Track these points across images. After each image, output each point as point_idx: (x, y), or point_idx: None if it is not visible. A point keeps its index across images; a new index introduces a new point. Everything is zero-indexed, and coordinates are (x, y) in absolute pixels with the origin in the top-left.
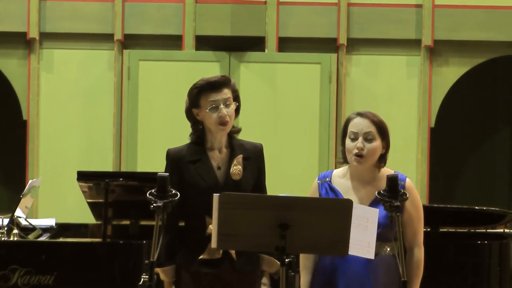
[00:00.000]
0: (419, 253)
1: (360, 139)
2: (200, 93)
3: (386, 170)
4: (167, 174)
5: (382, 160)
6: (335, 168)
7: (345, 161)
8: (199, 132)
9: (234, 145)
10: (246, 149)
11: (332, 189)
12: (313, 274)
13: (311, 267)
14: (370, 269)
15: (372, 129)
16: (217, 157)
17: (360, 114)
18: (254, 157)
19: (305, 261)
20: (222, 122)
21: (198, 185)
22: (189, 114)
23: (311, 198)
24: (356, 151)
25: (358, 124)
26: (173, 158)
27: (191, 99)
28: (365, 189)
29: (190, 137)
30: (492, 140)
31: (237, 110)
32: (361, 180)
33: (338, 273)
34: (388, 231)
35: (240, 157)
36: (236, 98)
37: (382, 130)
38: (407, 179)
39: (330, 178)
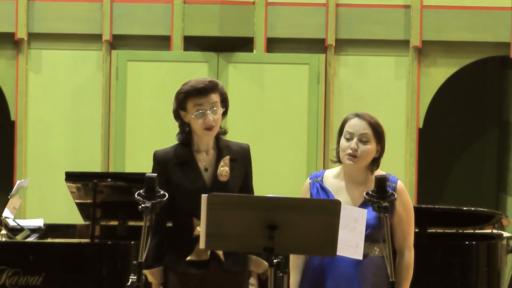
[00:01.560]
0: (409, 255)
1: (355, 140)
2: (186, 97)
3: (380, 173)
4: (155, 174)
5: (375, 163)
6: (323, 168)
7: (338, 160)
8: (186, 133)
9: (221, 147)
10: (233, 150)
11: (323, 188)
12: (302, 273)
13: (301, 266)
14: (359, 270)
15: (368, 131)
16: (204, 159)
17: (358, 115)
18: (241, 158)
19: (296, 260)
20: (208, 128)
21: (185, 187)
22: (177, 115)
23: (299, 199)
24: (349, 151)
25: (355, 125)
26: (160, 161)
27: (178, 102)
28: (357, 190)
29: (177, 136)
30: (480, 140)
31: (225, 112)
32: (354, 180)
33: (327, 274)
34: (377, 232)
35: (227, 159)
36: (224, 101)
37: (378, 133)
38: (399, 181)
39: (322, 178)
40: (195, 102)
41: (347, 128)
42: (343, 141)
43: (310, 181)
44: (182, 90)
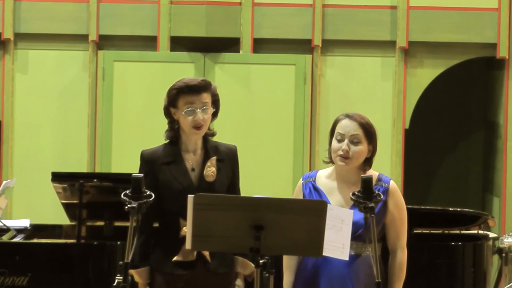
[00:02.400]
0: (402, 255)
1: (346, 141)
2: (178, 94)
3: (372, 173)
4: (142, 175)
5: (367, 163)
6: (309, 168)
7: (330, 161)
8: (175, 131)
9: (208, 147)
10: (220, 151)
11: (316, 189)
12: (296, 273)
13: (294, 267)
14: (352, 269)
15: (359, 132)
16: (191, 159)
17: (348, 116)
18: (228, 159)
19: (289, 261)
20: (196, 126)
21: (172, 186)
22: (167, 112)
23: (285, 199)
24: (340, 152)
25: (346, 126)
26: (147, 160)
27: (169, 99)
28: (349, 190)
29: (165, 134)
30: (466, 141)
31: (215, 114)
32: (346, 181)
33: (321, 274)
34: (370, 232)
35: (214, 159)
36: (215, 102)
37: (369, 133)
38: (391, 181)
39: (315, 178)
40: (187, 99)
41: (338, 129)
42: (334, 142)
43: (302, 181)
44: (174, 86)
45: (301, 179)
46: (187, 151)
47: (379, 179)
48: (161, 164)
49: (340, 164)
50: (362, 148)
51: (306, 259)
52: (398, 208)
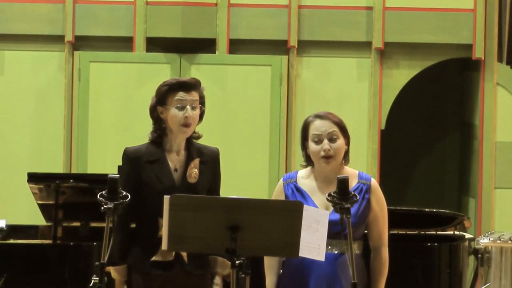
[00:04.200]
0: (385, 252)
1: (325, 140)
2: (169, 90)
3: (350, 170)
4: (118, 176)
5: (346, 157)
6: (285, 169)
7: (308, 164)
8: (161, 131)
9: (191, 149)
10: (203, 153)
11: (299, 189)
12: (282, 274)
13: (276, 267)
14: (339, 268)
15: (334, 128)
16: (174, 159)
17: (319, 116)
18: (211, 161)
19: (270, 262)
20: (186, 124)
21: (154, 186)
22: (153, 112)
23: (261, 200)
24: (323, 153)
25: (320, 126)
26: (131, 157)
27: (158, 96)
28: (330, 189)
29: (150, 135)
30: (442, 142)
31: (201, 115)
32: (326, 180)
33: (308, 273)
34: (356, 230)
35: (197, 161)
36: (202, 103)
37: (342, 128)
38: (372, 179)
39: (296, 179)
40: (177, 96)
41: (312, 131)
42: (312, 145)
43: (283, 182)
44: (165, 83)
45: (281, 179)
46: (171, 151)
47: (360, 177)
48: (145, 163)
49: (325, 165)
50: (341, 143)
51: (293, 259)
52: (380, 205)
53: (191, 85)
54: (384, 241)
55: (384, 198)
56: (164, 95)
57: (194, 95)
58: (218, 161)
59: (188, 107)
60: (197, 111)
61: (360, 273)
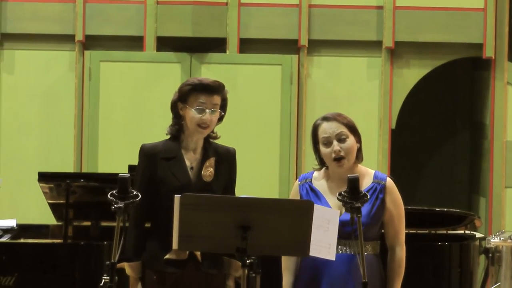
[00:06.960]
0: (401, 252)
1: (334, 142)
2: (191, 91)
3: (365, 170)
4: (128, 175)
5: (358, 155)
6: (296, 168)
7: (322, 167)
8: (179, 127)
9: (208, 148)
10: (219, 152)
11: (313, 190)
12: (298, 275)
13: (293, 268)
14: (352, 268)
15: (342, 128)
16: (191, 157)
17: (326, 119)
18: (227, 161)
19: (287, 262)
20: (202, 126)
21: (170, 183)
22: (174, 107)
23: (271, 199)
24: (334, 155)
25: (328, 129)
26: (147, 154)
27: (180, 94)
28: (344, 189)
29: (168, 128)
30: (452, 141)
31: (221, 118)
32: (340, 180)
33: (321, 274)
34: (369, 230)
35: (212, 160)
36: (224, 107)
37: (351, 126)
38: (388, 179)
39: (311, 179)
40: (199, 97)
41: (321, 134)
42: (323, 148)
43: (299, 182)
44: (188, 82)
45: (297, 180)
46: (187, 149)
47: (375, 177)
48: (161, 159)
49: (339, 167)
50: (351, 142)
51: (306, 259)
52: (395, 205)
53: (214, 89)
54: (399, 241)
55: (400, 198)
56: (186, 94)
57: (216, 100)
58: (234, 161)
59: (207, 111)
60: (216, 115)
61: (375, 274)
